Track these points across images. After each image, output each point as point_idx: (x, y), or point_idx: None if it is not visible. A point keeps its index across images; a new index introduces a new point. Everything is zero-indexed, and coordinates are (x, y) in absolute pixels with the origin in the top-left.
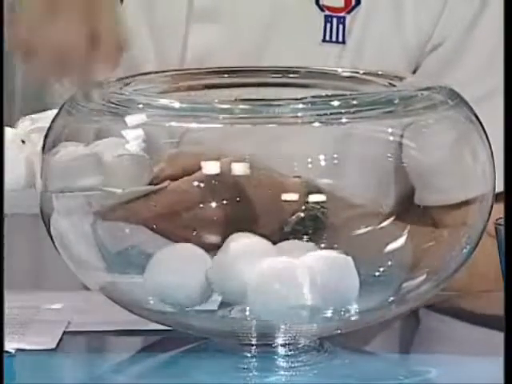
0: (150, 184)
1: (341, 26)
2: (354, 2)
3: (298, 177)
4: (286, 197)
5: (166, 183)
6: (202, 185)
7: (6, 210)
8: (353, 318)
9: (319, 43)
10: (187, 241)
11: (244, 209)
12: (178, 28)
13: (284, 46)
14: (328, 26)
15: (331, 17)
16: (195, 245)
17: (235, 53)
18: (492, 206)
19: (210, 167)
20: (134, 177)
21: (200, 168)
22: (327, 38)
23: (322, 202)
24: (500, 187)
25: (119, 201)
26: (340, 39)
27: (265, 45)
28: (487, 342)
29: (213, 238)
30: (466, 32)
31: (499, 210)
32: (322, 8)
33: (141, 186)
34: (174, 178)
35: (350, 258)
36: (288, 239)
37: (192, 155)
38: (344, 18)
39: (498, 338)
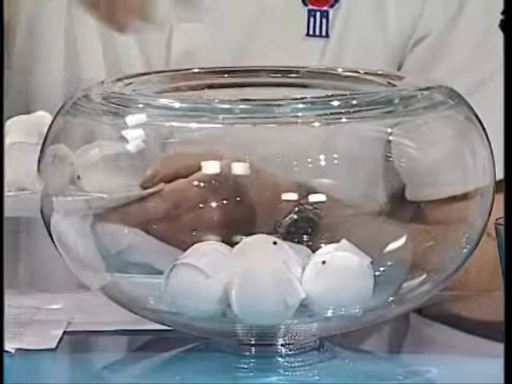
0: (143, 187)
1: (324, 20)
2: None
3: (293, 179)
4: (281, 198)
5: (160, 186)
6: (197, 187)
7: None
8: (353, 318)
9: (303, 37)
10: (184, 244)
11: (241, 210)
12: (161, 27)
13: (268, 41)
14: (311, 20)
15: (314, 11)
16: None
17: (220, 51)
18: (492, 205)
19: (207, 169)
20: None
21: (194, 169)
22: (311, 32)
23: (316, 203)
24: (499, 175)
25: (112, 205)
26: (323, 33)
27: (249, 41)
28: (487, 342)
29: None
30: (448, 26)
31: (500, 200)
32: (305, 2)
33: (134, 190)
34: (167, 181)
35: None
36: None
37: (186, 157)
38: (327, 11)
39: (498, 338)
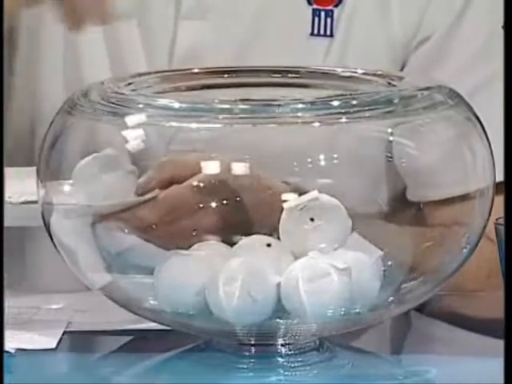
0: (138, 194)
1: (329, 20)
2: None
3: (287, 183)
4: (277, 199)
5: (155, 193)
6: (192, 192)
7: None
8: (352, 318)
9: (307, 37)
10: (180, 248)
11: (236, 215)
12: (166, 25)
13: (273, 40)
14: (316, 19)
15: (319, 10)
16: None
17: (224, 49)
18: (492, 206)
19: (202, 174)
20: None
21: (189, 175)
22: (315, 31)
23: None
24: (499, 177)
25: (107, 212)
26: (328, 33)
27: (253, 40)
28: (487, 342)
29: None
30: (453, 26)
31: (500, 202)
32: (309, 1)
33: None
34: (162, 187)
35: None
36: None
37: (180, 162)
38: (332, 11)
39: (498, 338)
